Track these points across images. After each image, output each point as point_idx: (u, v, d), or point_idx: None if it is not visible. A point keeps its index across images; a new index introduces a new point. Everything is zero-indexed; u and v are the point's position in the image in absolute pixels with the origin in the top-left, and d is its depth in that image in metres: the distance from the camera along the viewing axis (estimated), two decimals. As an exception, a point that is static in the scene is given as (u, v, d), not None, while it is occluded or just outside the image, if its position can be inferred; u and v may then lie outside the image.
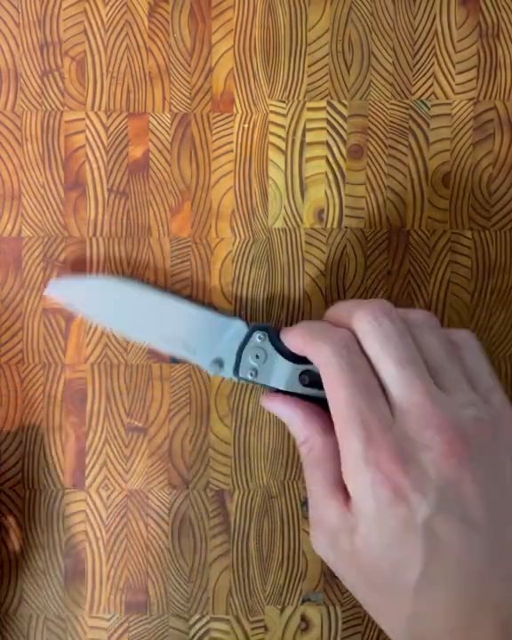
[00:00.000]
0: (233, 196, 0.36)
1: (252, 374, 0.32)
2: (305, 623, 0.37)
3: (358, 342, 0.28)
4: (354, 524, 0.26)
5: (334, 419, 0.27)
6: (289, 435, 0.37)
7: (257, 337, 0.32)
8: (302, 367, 0.31)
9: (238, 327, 0.33)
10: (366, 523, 0.26)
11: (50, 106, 0.36)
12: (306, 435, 0.29)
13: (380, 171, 0.36)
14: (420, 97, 0.36)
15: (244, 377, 0.32)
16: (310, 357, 0.29)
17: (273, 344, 0.32)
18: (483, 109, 0.36)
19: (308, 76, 0.36)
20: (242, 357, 0.32)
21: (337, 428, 0.27)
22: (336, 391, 0.27)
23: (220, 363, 0.33)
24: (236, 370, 0.32)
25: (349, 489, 0.27)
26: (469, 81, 0.36)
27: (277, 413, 0.31)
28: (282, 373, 0.31)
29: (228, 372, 0.33)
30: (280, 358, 0.31)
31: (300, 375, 0.31)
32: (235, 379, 0.33)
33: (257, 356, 0.32)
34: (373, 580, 0.26)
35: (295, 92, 0.36)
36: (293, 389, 0.31)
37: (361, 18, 0.36)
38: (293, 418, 0.30)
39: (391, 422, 0.26)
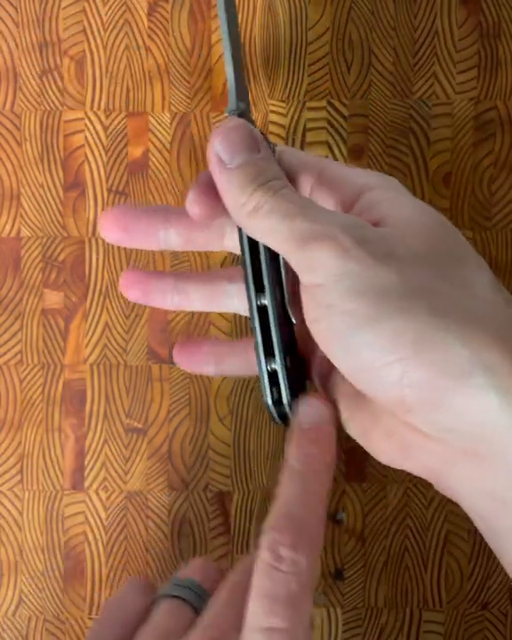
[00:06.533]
0: (233, 196, 0.36)
1: None
2: (305, 625, 0.37)
3: None
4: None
5: None
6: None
7: None
8: None
9: None
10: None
11: (49, 105, 0.36)
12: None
13: (380, 171, 0.36)
14: (421, 97, 0.36)
15: None
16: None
17: None
18: (483, 109, 0.36)
19: (309, 76, 0.36)
20: None
21: None
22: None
23: None
24: None
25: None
26: (470, 80, 0.36)
27: None
28: None
29: None
30: None
31: None
32: None
33: None
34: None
35: (295, 91, 0.36)
36: None
37: (361, 17, 0.36)
38: None
39: None
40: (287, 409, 0.27)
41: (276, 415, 0.28)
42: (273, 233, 0.24)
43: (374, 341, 0.22)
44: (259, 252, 0.27)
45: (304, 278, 0.24)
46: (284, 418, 0.28)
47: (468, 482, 0.23)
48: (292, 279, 0.26)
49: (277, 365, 0.27)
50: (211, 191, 0.26)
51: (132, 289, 0.29)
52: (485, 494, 0.22)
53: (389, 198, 0.25)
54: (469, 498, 0.23)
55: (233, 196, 0.25)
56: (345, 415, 0.26)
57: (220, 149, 0.25)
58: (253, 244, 0.27)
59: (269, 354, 0.27)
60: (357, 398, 0.25)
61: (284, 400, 0.27)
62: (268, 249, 0.26)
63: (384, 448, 0.25)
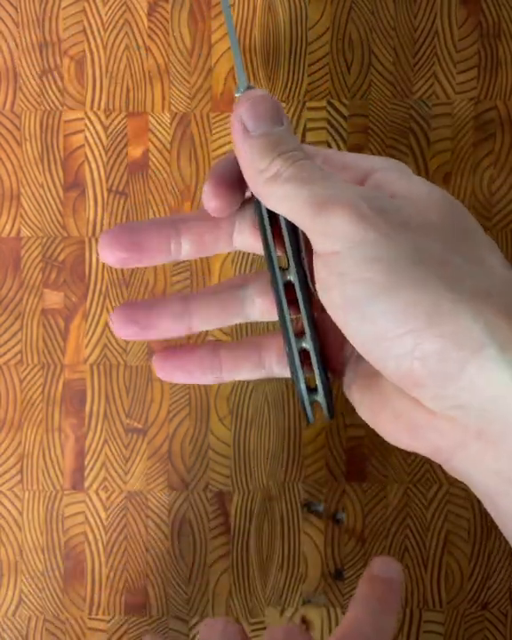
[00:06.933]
0: (233, 196, 0.36)
1: None
2: (305, 625, 0.37)
3: None
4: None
5: None
6: (289, 436, 0.37)
7: None
8: None
9: None
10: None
11: (49, 105, 0.36)
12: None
13: (380, 171, 0.36)
14: (421, 97, 0.36)
15: None
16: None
17: None
18: (483, 109, 0.36)
19: (309, 76, 0.36)
20: None
21: None
22: None
23: None
24: None
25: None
26: (470, 80, 0.36)
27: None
28: None
29: None
30: None
31: None
32: None
33: None
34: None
35: (295, 91, 0.36)
36: None
37: (361, 17, 0.36)
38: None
39: None
40: (321, 392, 0.26)
41: (307, 403, 0.26)
42: (290, 199, 0.24)
43: (388, 311, 0.22)
44: (280, 227, 0.26)
45: (318, 246, 0.23)
46: (312, 407, 0.26)
47: (474, 462, 0.23)
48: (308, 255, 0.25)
49: (308, 344, 0.26)
50: (225, 183, 0.26)
51: (126, 327, 0.27)
52: (493, 474, 0.22)
53: (398, 178, 0.25)
54: (477, 478, 0.23)
55: (253, 163, 0.24)
56: (357, 397, 0.26)
57: (245, 117, 0.25)
58: (272, 221, 0.26)
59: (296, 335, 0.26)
60: (368, 379, 0.25)
61: (318, 380, 0.26)
62: (289, 224, 0.25)
63: (391, 430, 0.25)
